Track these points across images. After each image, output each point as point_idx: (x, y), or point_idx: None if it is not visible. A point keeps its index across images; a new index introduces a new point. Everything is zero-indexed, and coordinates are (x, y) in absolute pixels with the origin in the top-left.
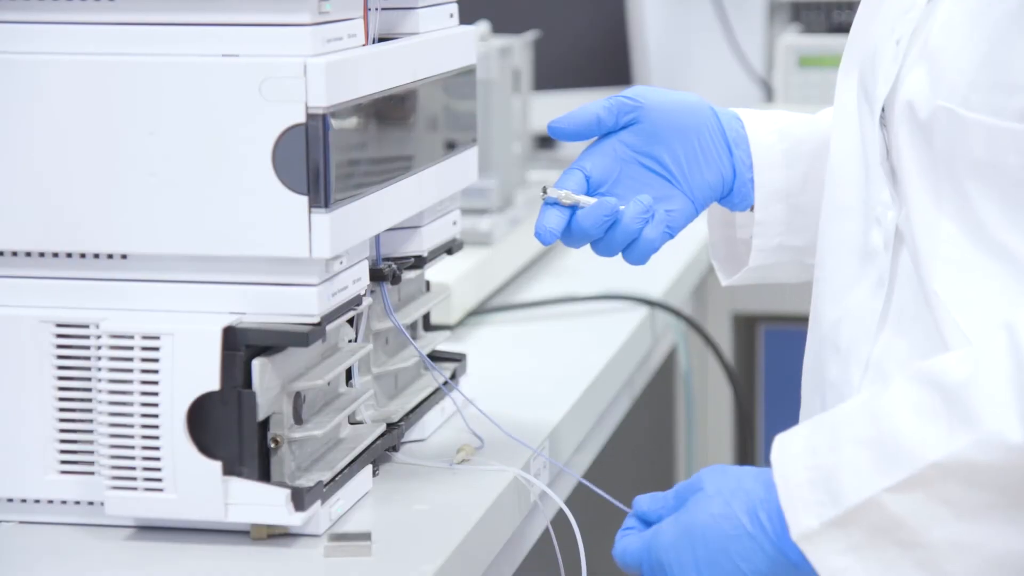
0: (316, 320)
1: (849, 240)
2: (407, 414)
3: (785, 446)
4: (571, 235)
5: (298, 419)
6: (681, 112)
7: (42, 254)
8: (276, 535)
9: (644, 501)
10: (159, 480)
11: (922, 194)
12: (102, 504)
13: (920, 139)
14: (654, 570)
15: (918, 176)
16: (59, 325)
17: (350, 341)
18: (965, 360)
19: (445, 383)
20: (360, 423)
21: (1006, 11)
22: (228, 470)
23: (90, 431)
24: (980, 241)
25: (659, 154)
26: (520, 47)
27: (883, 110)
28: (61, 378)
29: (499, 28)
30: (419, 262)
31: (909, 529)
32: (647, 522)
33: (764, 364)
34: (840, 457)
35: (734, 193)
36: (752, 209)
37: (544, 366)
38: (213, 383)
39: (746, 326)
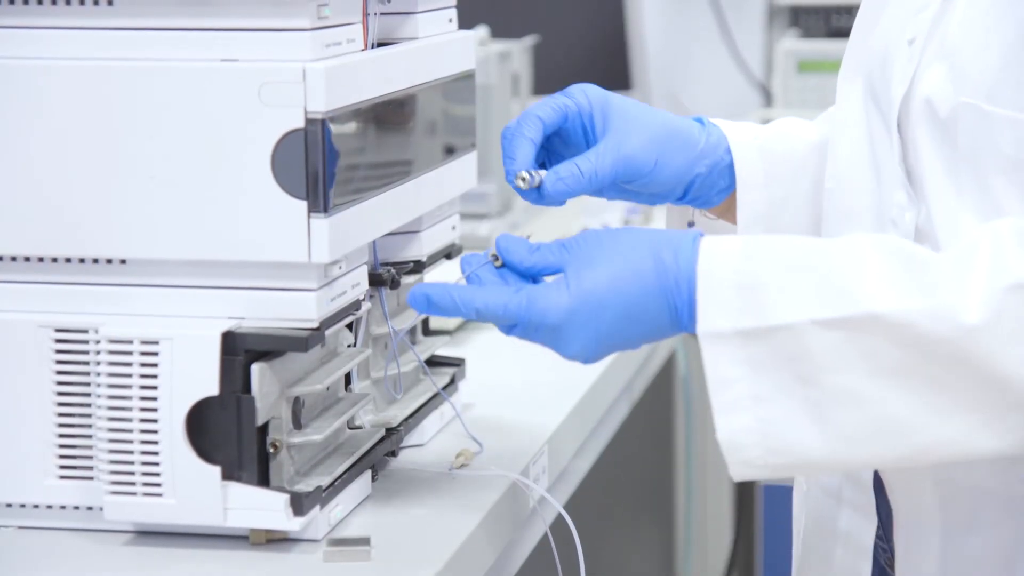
0: (315, 325)
1: None
2: (406, 419)
3: (717, 245)
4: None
5: (297, 424)
6: (674, 177)
7: (41, 259)
8: (275, 540)
9: (512, 245)
10: (158, 485)
11: (943, 192)
12: (101, 509)
13: (941, 137)
14: (529, 328)
15: (940, 174)
16: (58, 330)
17: (349, 346)
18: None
19: (444, 388)
20: (359, 428)
21: None
22: (227, 475)
23: (89, 436)
24: None
25: (635, 192)
26: (519, 52)
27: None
28: (60, 383)
29: (498, 33)
30: (418, 267)
31: (815, 366)
32: (518, 273)
33: None
34: (776, 274)
35: (686, 199)
36: (709, 212)
37: (543, 371)
38: (212, 388)
39: None
